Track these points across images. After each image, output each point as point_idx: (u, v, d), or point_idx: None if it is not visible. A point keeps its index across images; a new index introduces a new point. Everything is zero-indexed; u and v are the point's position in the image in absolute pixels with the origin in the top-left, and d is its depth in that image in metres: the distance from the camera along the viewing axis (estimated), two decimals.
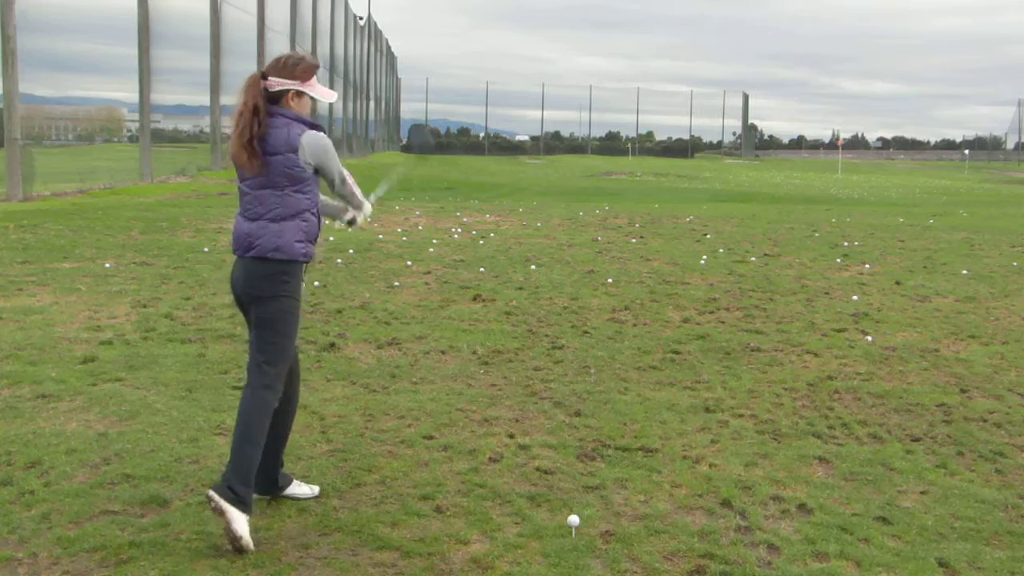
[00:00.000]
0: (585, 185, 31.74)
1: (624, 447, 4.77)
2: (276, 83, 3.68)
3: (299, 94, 3.73)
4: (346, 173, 3.88)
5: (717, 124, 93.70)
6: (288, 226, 3.73)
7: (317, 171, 3.76)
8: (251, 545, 3.51)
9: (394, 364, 6.27)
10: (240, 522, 3.51)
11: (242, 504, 3.54)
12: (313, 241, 3.82)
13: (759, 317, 8.16)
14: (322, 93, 3.82)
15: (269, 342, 3.78)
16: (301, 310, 3.87)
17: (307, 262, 3.83)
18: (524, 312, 8.14)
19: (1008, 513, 4.08)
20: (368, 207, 4.10)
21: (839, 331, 7.65)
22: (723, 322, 7.93)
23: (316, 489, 4.07)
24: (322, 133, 3.73)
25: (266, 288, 3.77)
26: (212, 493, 3.54)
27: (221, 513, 3.50)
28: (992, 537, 3.84)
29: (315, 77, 3.80)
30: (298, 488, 4.03)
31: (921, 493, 4.28)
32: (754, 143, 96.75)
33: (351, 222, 4.11)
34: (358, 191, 4.01)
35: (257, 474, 3.96)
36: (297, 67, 3.72)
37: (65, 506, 3.87)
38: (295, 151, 3.65)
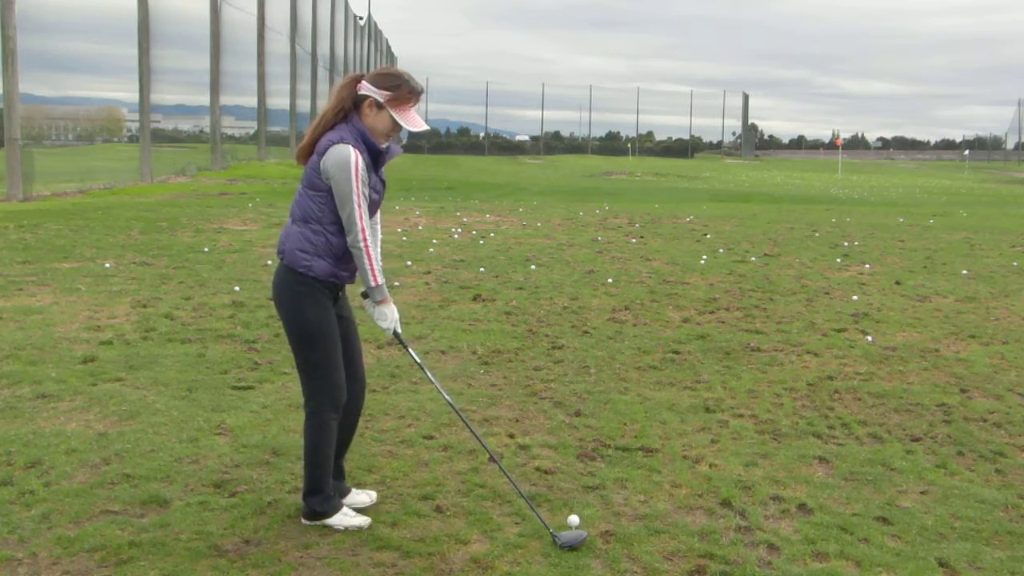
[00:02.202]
0: (585, 185, 31.75)
1: (624, 447, 4.77)
2: (365, 87, 3.59)
3: (379, 106, 3.57)
4: (359, 218, 3.53)
5: (717, 124, 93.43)
6: (296, 230, 3.64)
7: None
8: (365, 523, 3.75)
9: (394, 364, 6.27)
10: (343, 520, 3.74)
11: (324, 514, 3.75)
12: (327, 259, 3.60)
13: (759, 317, 8.16)
14: (407, 119, 3.61)
15: (295, 355, 3.73)
16: (332, 324, 3.67)
17: (314, 279, 3.59)
18: (524, 312, 8.14)
19: (1008, 513, 4.08)
20: (386, 315, 3.70)
21: (839, 331, 7.65)
22: (723, 322, 7.93)
23: (373, 495, 4.05)
24: (351, 151, 3.49)
25: (278, 293, 3.69)
26: (304, 523, 3.77)
27: (326, 525, 3.74)
28: (992, 537, 3.84)
29: (412, 105, 3.63)
30: (356, 496, 4.00)
31: (921, 493, 4.28)
32: (754, 143, 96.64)
33: (364, 295, 3.74)
34: (369, 262, 3.59)
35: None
36: (393, 84, 3.58)
37: (65, 506, 3.87)
38: (320, 156, 3.55)
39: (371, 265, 3.60)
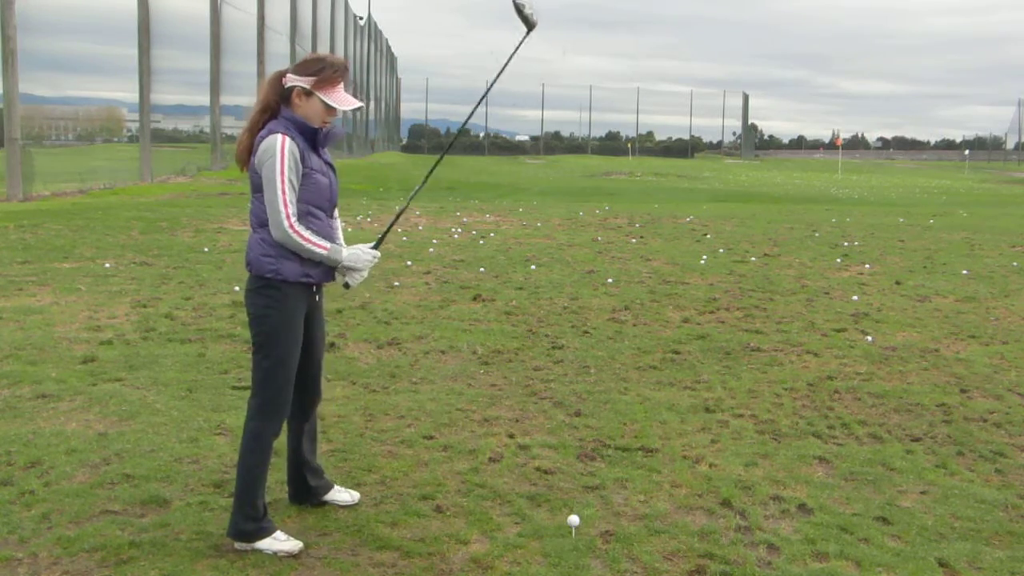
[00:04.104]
0: (585, 185, 31.74)
1: (624, 447, 4.77)
2: (290, 79, 3.52)
3: (307, 93, 3.49)
4: (283, 207, 3.40)
5: (717, 124, 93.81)
6: (256, 238, 3.54)
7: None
8: (296, 548, 3.53)
9: (394, 364, 6.27)
10: (272, 544, 3.53)
11: (254, 535, 3.54)
12: (293, 258, 3.50)
13: (759, 317, 8.16)
14: (338, 99, 3.53)
15: (255, 365, 3.60)
16: (294, 335, 3.58)
17: (283, 281, 3.49)
18: (524, 312, 8.14)
19: (1008, 513, 4.08)
20: (355, 257, 3.58)
21: (839, 331, 7.65)
22: (723, 322, 7.93)
23: (356, 495, 4.02)
24: (279, 136, 3.41)
25: (249, 302, 3.58)
26: (236, 545, 3.55)
27: (252, 549, 3.54)
28: (992, 537, 3.84)
29: (340, 84, 3.55)
30: (338, 495, 3.99)
31: (921, 493, 4.28)
32: (754, 143, 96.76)
33: (346, 286, 3.68)
34: (307, 242, 3.45)
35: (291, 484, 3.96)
36: (316, 68, 3.51)
37: (65, 506, 3.87)
38: (255, 154, 3.48)
39: (310, 243, 3.47)
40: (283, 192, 3.41)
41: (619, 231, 14.97)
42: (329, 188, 3.63)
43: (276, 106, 3.54)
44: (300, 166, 3.48)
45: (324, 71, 3.52)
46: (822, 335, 7.50)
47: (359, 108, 3.84)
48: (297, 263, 3.52)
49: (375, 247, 3.71)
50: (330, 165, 3.68)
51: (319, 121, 3.55)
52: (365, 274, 3.67)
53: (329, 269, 3.63)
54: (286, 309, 3.53)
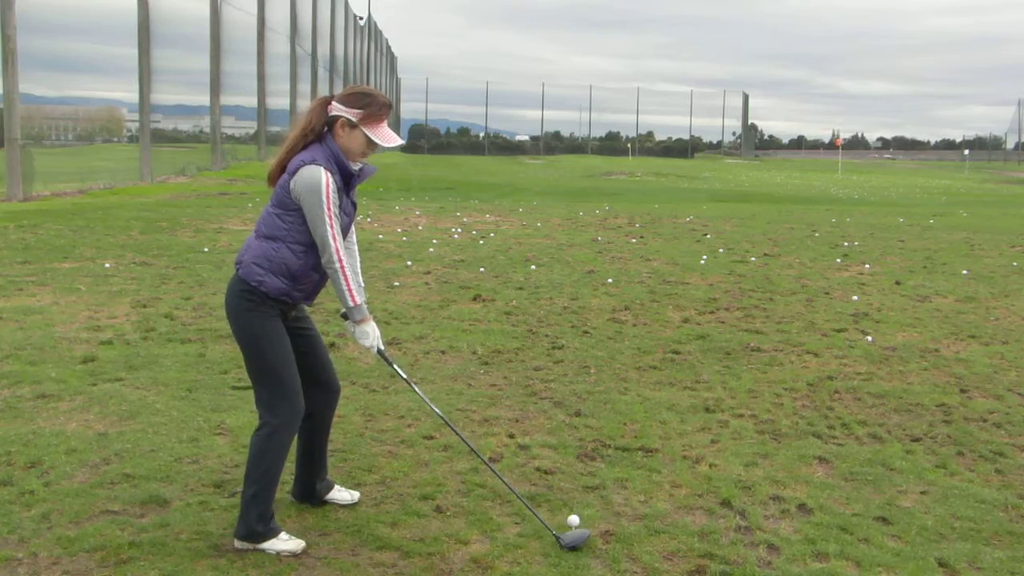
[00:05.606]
0: (585, 185, 31.73)
1: (624, 447, 4.77)
2: (336, 108, 3.57)
3: (352, 126, 3.55)
4: (332, 239, 3.50)
5: (717, 124, 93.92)
6: (257, 244, 3.58)
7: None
8: (299, 547, 3.56)
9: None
10: (276, 544, 3.54)
11: (263, 536, 3.55)
12: (282, 278, 3.55)
13: (759, 317, 8.16)
14: (382, 135, 3.58)
15: (246, 365, 3.64)
16: (278, 333, 3.60)
17: (265, 294, 3.53)
18: (524, 312, 8.14)
19: (1008, 513, 4.08)
20: (367, 334, 3.65)
21: (839, 331, 7.65)
22: (723, 322, 7.93)
23: (356, 495, 4.03)
24: (322, 172, 3.46)
25: (229, 303, 3.62)
26: (237, 544, 3.56)
27: (258, 549, 3.55)
28: (992, 537, 3.84)
29: (384, 120, 3.61)
30: (338, 494, 4.00)
31: (921, 493, 4.28)
32: (754, 143, 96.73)
33: (344, 316, 3.71)
34: (346, 282, 3.56)
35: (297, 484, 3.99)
36: (364, 103, 3.56)
37: (65, 506, 3.87)
38: (292, 175, 3.51)
39: (347, 285, 3.57)
40: (331, 227, 3.51)
41: (619, 231, 14.97)
42: (347, 226, 3.71)
43: (320, 129, 3.59)
44: (338, 199, 3.56)
45: (371, 106, 3.57)
46: (822, 335, 7.50)
47: (400, 146, 3.86)
48: (282, 283, 3.56)
49: (384, 355, 3.77)
50: (354, 204, 3.74)
51: (359, 153, 3.61)
52: (361, 343, 3.70)
53: (310, 295, 3.71)
54: (263, 312, 3.57)
